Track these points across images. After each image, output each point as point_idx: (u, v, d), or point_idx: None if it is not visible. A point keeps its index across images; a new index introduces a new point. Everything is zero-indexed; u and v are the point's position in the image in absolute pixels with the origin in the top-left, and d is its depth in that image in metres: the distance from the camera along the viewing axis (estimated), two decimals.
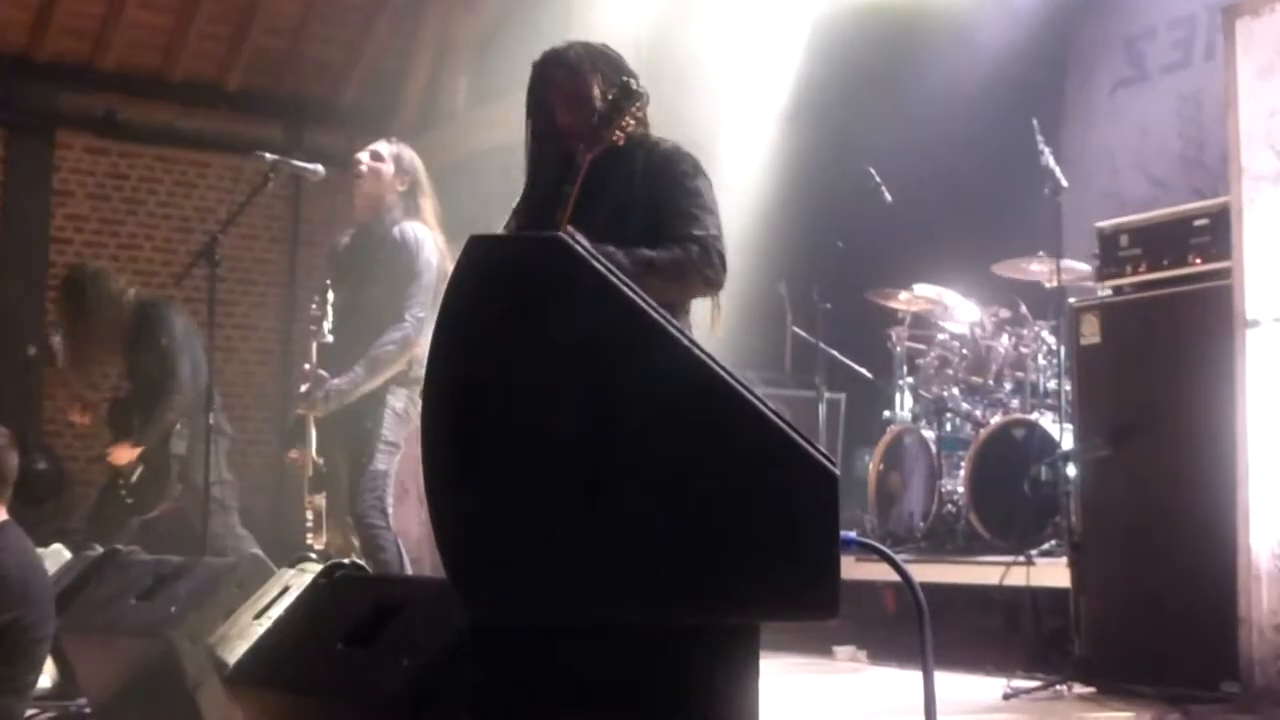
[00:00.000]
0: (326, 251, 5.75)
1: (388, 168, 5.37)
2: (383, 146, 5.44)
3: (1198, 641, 4.98)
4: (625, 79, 3.71)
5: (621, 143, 3.68)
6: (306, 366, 5.24)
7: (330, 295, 5.31)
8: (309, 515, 5.25)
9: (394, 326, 5.19)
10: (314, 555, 4.08)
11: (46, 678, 4.72)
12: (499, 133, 8.80)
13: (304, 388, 5.20)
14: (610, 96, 3.69)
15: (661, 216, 3.74)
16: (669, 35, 8.14)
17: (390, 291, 5.24)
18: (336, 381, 5.16)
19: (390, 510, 5.16)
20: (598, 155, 3.66)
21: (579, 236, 3.20)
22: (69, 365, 6.48)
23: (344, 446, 5.25)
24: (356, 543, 5.21)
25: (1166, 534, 5.17)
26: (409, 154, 5.46)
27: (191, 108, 10.94)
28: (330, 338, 5.24)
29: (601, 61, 3.89)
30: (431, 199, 5.46)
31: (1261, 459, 4.84)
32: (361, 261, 5.37)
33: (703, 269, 3.70)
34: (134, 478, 6.37)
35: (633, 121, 3.66)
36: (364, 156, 5.41)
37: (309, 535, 5.25)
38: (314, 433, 5.20)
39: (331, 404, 5.16)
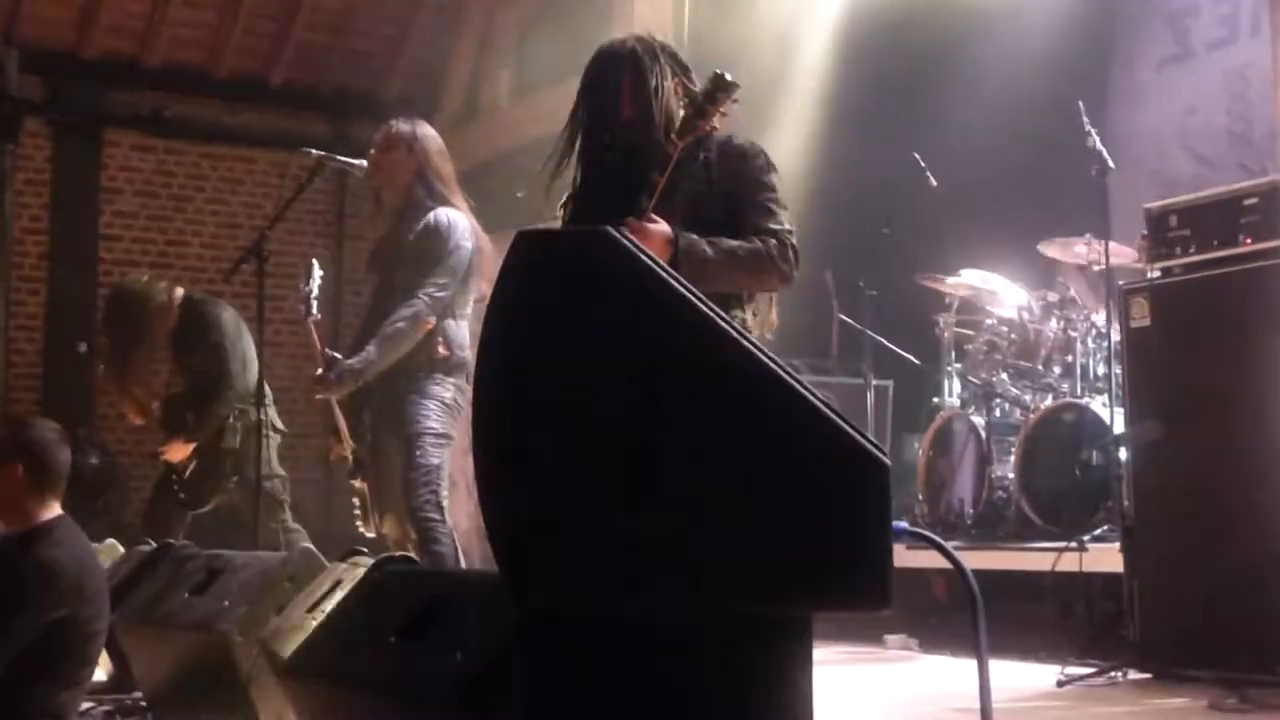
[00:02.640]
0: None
1: (399, 153, 5.38)
2: (393, 131, 5.43)
3: (1253, 625, 4.94)
4: (717, 70, 3.71)
5: (715, 131, 3.73)
6: (316, 348, 5.24)
7: (319, 271, 5.32)
8: (355, 502, 5.28)
9: (406, 304, 5.19)
10: (365, 549, 4.10)
11: (101, 671, 4.77)
12: (542, 125, 8.83)
13: (319, 371, 5.21)
14: (706, 86, 3.71)
15: (737, 208, 3.79)
16: (711, 25, 8.13)
17: (417, 275, 5.25)
18: (350, 361, 5.15)
19: (446, 503, 5.17)
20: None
21: (625, 230, 3.19)
22: (121, 375, 6.55)
23: (396, 437, 5.25)
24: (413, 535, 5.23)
25: (1220, 517, 5.13)
26: (410, 129, 5.42)
27: (237, 104, 11.03)
28: (318, 314, 5.25)
29: (666, 55, 3.91)
30: (447, 165, 5.45)
31: None
32: (393, 246, 5.39)
33: (780, 264, 3.74)
34: (188, 473, 6.42)
35: (725, 112, 3.69)
36: (374, 150, 5.42)
37: (358, 522, 5.28)
38: (340, 415, 5.23)
39: (345, 385, 5.15)
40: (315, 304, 5.29)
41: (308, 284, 5.31)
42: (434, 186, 5.36)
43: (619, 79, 3.84)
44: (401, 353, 5.18)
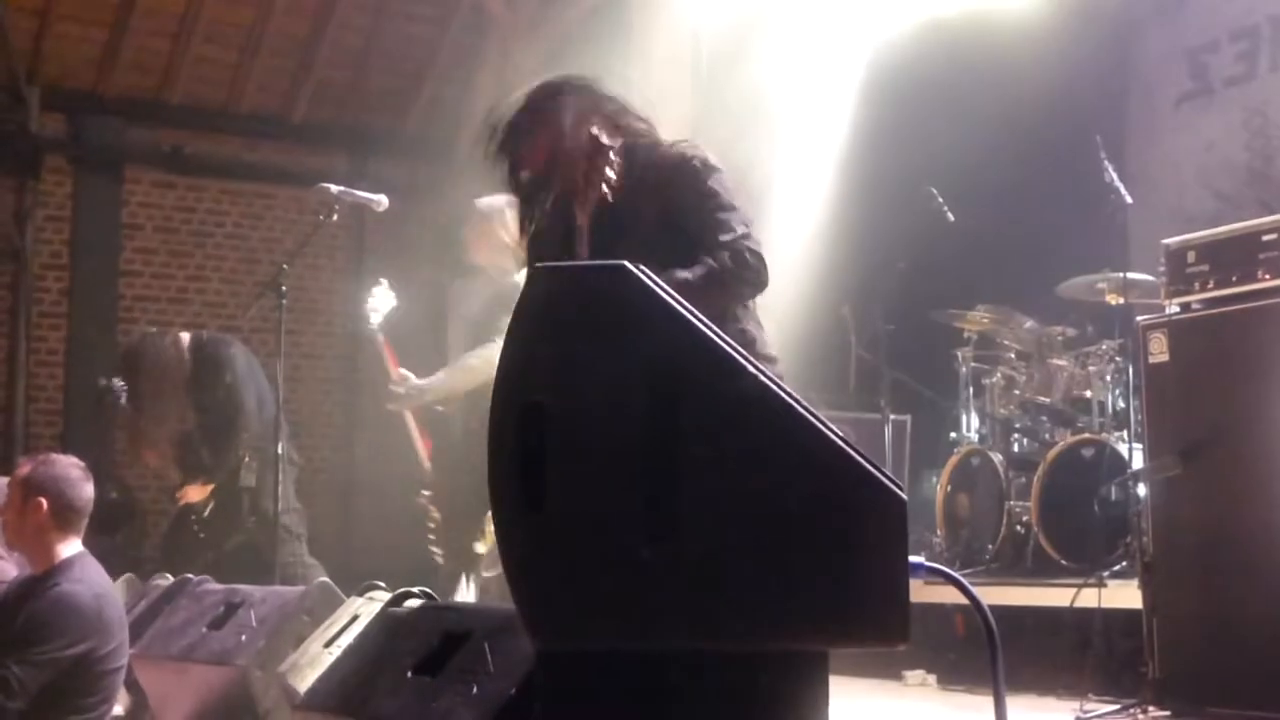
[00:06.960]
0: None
1: (500, 230, 5.41)
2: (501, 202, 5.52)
3: (1274, 661, 4.91)
4: (591, 132, 3.53)
5: (611, 199, 3.49)
6: (388, 362, 5.46)
7: (386, 289, 5.48)
8: (430, 525, 5.40)
9: (485, 343, 5.26)
10: (382, 584, 4.10)
11: (119, 706, 4.77)
12: None
13: (391, 385, 5.38)
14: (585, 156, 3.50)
15: (683, 229, 3.57)
16: (728, 64, 8.15)
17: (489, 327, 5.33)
18: (419, 381, 5.32)
19: None
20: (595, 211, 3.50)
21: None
22: (142, 428, 6.65)
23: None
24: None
25: (1240, 553, 5.10)
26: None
27: (257, 140, 11.08)
28: (379, 331, 5.36)
29: (578, 97, 3.69)
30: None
31: None
32: (486, 308, 5.42)
33: (739, 273, 3.53)
34: (206, 512, 6.44)
35: (614, 175, 3.48)
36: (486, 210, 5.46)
37: (430, 538, 5.42)
38: (413, 428, 5.36)
39: (410, 400, 5.32)
40: (375, 319, 5.48)
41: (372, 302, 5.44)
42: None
43: (527, 138, 3.68)
44: (471, 385, 5.26)
